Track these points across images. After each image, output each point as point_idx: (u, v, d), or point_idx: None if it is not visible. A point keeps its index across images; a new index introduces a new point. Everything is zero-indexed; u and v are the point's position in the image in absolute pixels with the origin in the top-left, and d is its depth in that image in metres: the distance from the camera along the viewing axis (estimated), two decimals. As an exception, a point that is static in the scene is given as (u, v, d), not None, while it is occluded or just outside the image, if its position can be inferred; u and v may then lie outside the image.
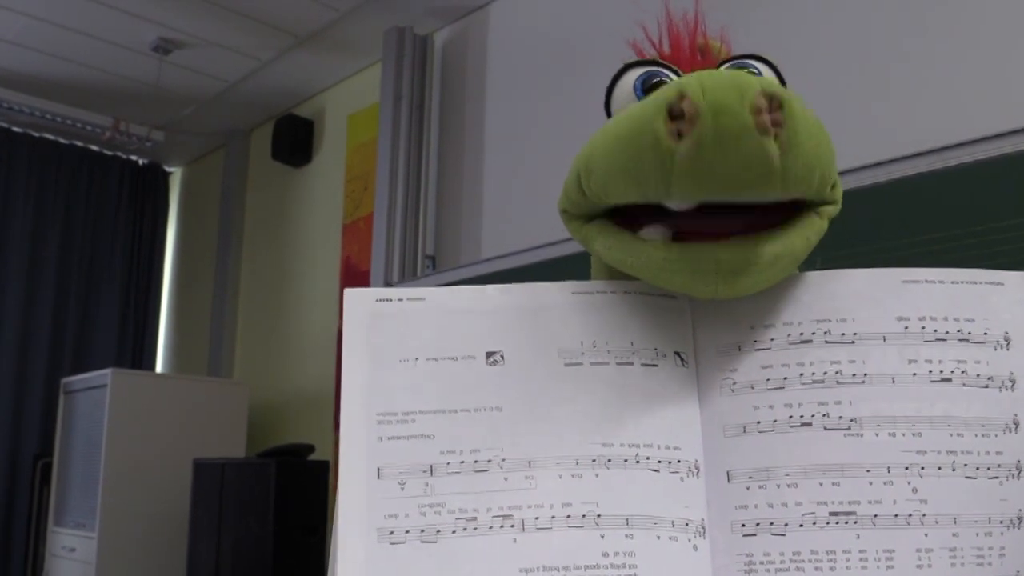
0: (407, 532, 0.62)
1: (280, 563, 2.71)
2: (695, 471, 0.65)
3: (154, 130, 3.94)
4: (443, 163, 3.14)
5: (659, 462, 0.65)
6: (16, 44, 3.46)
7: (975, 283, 0.69)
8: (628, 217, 0.69)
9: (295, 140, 3.78)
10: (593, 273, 0.78)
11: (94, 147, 4.32)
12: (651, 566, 0.61)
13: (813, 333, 0.67)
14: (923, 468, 0.64)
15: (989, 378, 0.66)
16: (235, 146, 4.23)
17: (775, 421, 0.65)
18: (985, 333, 0.67)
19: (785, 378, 0.66)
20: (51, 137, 4.20)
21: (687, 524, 0.63)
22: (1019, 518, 0.64)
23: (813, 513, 0.63)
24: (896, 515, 0.63)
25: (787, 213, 0.67)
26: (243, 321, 4.09)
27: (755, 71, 0.71)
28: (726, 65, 0.72)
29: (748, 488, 0.64)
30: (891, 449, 0.64)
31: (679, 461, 0.65)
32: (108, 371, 3.29)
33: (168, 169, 4.71)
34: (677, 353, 0.68)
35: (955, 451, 0.64)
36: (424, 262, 3.02)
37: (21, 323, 3.98)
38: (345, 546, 0.62)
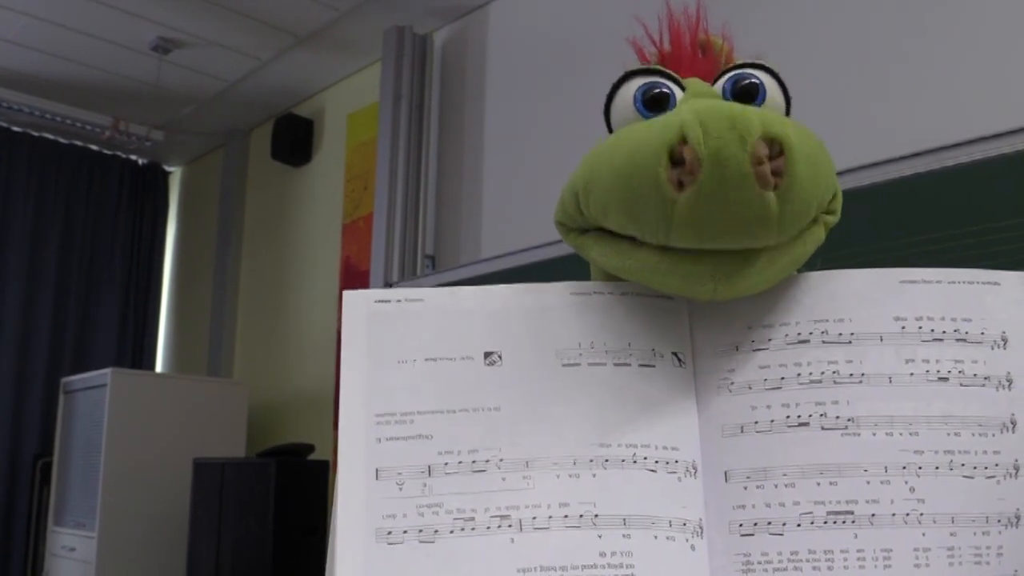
0: (405, 532, 0.62)
1: (280, 563, 2.71)
2: (693, 471, 0.65)
3: (154, 130, 3.94)
4: (443, 163, 3.14)
5: (656, 462, 0.65)
6: (16, 44, 3.46)
7: (972, 283, 0.69)
8: None
9: (295, 140, 3.78)
10: (592, 276, 0.78)
11: (94, 147, 4.32)
12: (648, 566, 0.62)
13: (811, 333, 0.68)
14: (920, 468, 0.64)
15: (986, 378, 0.66)
16: (235, 146, 4.23)
17: (773, 421, 0.66)
18: (982, 333, 0.67)
19: (783, 378, 0.66)
20: (51, 137, 4.20)
21: (685, 524, 0.64)
22: (1017, 517, 0.64)
23: (811, 513, 0.63)
24: (894, 514, 0.63)
25: None
26: (243, 321, 4.09)
27: (756, 81, 0.70)
28: (727, 76, 0.71)
29: (746, 488, 0.64)
30: (888, 449, 0.64)
31: (677, 461, 0.65)
32: (108, 371, 3.29)
33: (168, 169, 4.71)
34: (675, 354, 0.68)
35: (952, 450, 0.65)
36: (424, 262, 3.02)
37: (21, 323, 3.98)
38: (343, 546, 0.62)
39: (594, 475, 0.64)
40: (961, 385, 0.66)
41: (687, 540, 0.63)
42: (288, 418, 3.66)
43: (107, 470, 3.17)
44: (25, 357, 3.98)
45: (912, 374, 0.66)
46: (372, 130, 3.28)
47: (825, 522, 0.63)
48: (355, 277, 3.39)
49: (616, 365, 0.67)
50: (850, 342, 0.67)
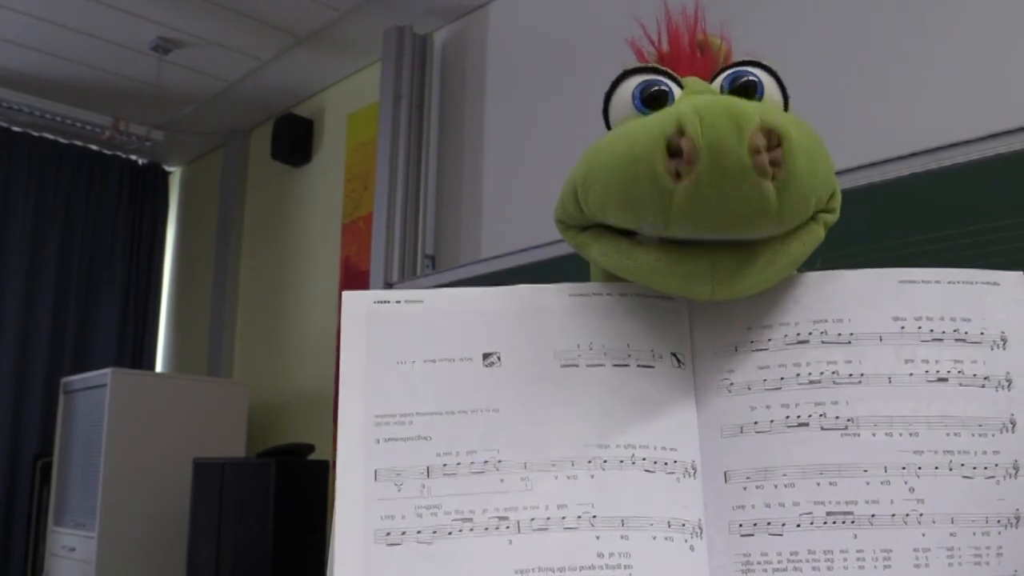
0: (404, 533, 0.62)
1: (280, 563, 2.71)
2: (692, 472, 0.65)
3: (154, 130, 3.94)
4: (443, 162, 3.14)
5: (655, 463, 0.65)
6: (16, 44, 3.46)
7: (971, 283, 0.69)
8: None
9: (295, 139, 3.78)
10: (592, 276, 0.78)
11: (94, 147, 4.32)
12: (647, 567, 0.62)
13: (810, 333, 0.68)
14: (920, 468, 0.64)
15: (986, 378, 0.66)
16: (235, 145, 4.23)
17: (772, 421, 0.66)
18: (982, 333, 0.67)
19: (782, 378, 0.66)
20: (51, 137, 4.20)
21: (683, 525, 0.64)
22: (1016, 517, 0.64)
23: (810, 513, 0.63)
24: (893, 515, 0.63)
25: None
26: (243, 321, 4.09)
27: (755, 79, 0.70)
28: (725, 73, 0.71)
29: (745, 488, 0.64)
30: (888, 449, 0.64)
31: (676, 462, 0.65)
32: (108, 371, 3.29)
33: (168, 169, 4.71)
34: (674, 354, 0.68)
35: (952, 451, 0.65)
36: (424, 262, 3.02)
37: (21, 323, 3.98)
38: (343, 547, 0.62)
39: (592, 476, 0.64)
40: (960, 385, 0.66)
41: (686, 540, 0.63)
42: (288, 418, 3.66)
43: (107, 470, 3.17)
44: (25, 357, 3.98)
45: (911, 374, 0.66)
46: (372, 130, 3.28)
47: (825, 522, 0.63)
48: (355, 277, 3.39)
49: (615, 366, 0.67)
50: (849, 342, 0.67)
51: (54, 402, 3.71)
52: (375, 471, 0.64)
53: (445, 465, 0.64)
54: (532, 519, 0.63)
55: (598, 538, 0.62)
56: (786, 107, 0.72)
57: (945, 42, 1.90)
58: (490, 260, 2.57)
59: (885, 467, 0.64)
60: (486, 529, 0.62)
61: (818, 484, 0.64)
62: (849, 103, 2.00)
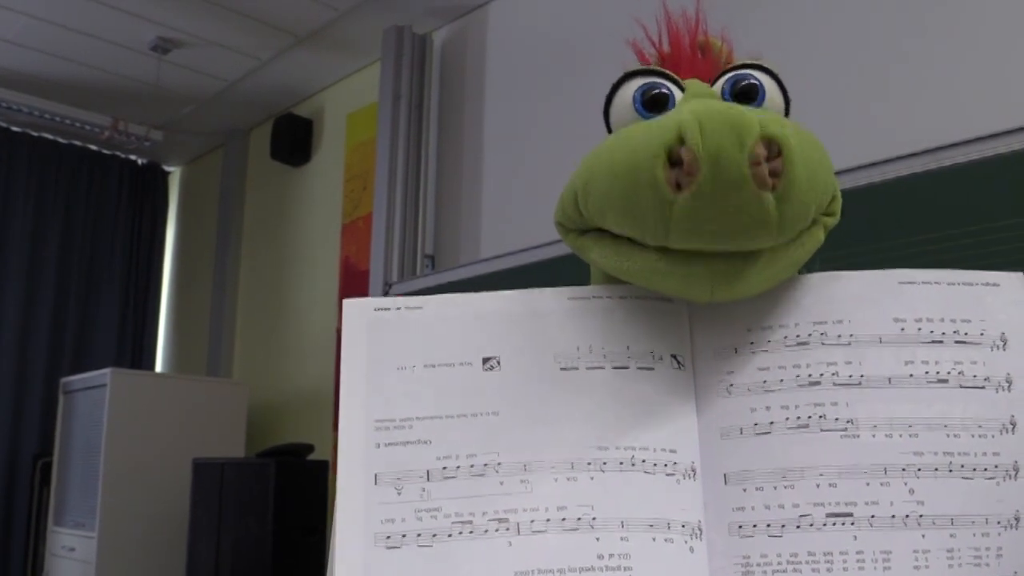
0: (404, 536, 0.63)
1: (279, 563, 2.71)
2: (692, 473, 0.65)
3: (153, 130, 3.94)
4: (442, 162, 3.14)
5: (655, 465, 0.65)
6: (16, 44, 3.46)
7: (971, 284, 0.69)
8: None
9: (294, 139, 3.78)
10: (592, 280, 0.78)
11: (93, 147, 4.32)
12: (646, 568, 0.62)
13: (810, 335, 0.68)
14: (920, 469, 0.64)
15: (986, 379, 0.66)
16: (234, 145, 4.23)
17: (772, 423, 0.65)
18: (982, 334, 0.67)
19: (782, 380, 0.66)
20: (50, 137, 4.20)
21: (683, 526, 0.64)
22: (1016, 519, 0.64)
23: (810, 514, 0.63)
24: (893, 516, 0.63)
25: None
26: (242, 321, 4.09)
27: (756, 82, 0.70)
28: (726, 76, 0.71)
29: (745, 490, 0.64)
30: (888, 450, 0.64)
31: (675, 463, 0.65)
32: (107, 371, 3.29)
33: (167, 169, 4.71)
34: (674, 356, 0.68)
35: (952, 452, 0.65)
36: (423, 262, 3.02)
37: (21, 323, 3.98)
38: (343, 551, 0.62)
39: (592, 478, 0.64)
40: (960, 386, 0.66)
41: (686, 542, 0.63)
42: (288, 418, 3.66)
43: (107, 470, 3.17)
44: (25, 357, 3.98)
45: (911, 375, 0.66)
46: (371, 130, 3.28)
47: (824, 524, 0.63)
48: (354, 277, 3.39)
49: (614, 368, 0.67)
50: (849, 344, 0.67)
51: (54, 402, 3.71)
52: (375, 475, 0.64)
53: (445, 468, 0.64)
54: (532, 521, 0.63)
55: (598, 540, 0.62)
56: (787, 110, 0.72)
57: (945, 42, 1.90)
58: (490, 260, 2.56)
59: (885, 468, 0.64)
60: (485, 531, 0.62)
61: (818, 485, 0.64)
62: (849, 103, 2.00)
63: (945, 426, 0.65)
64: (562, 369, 0.67)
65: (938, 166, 1.58)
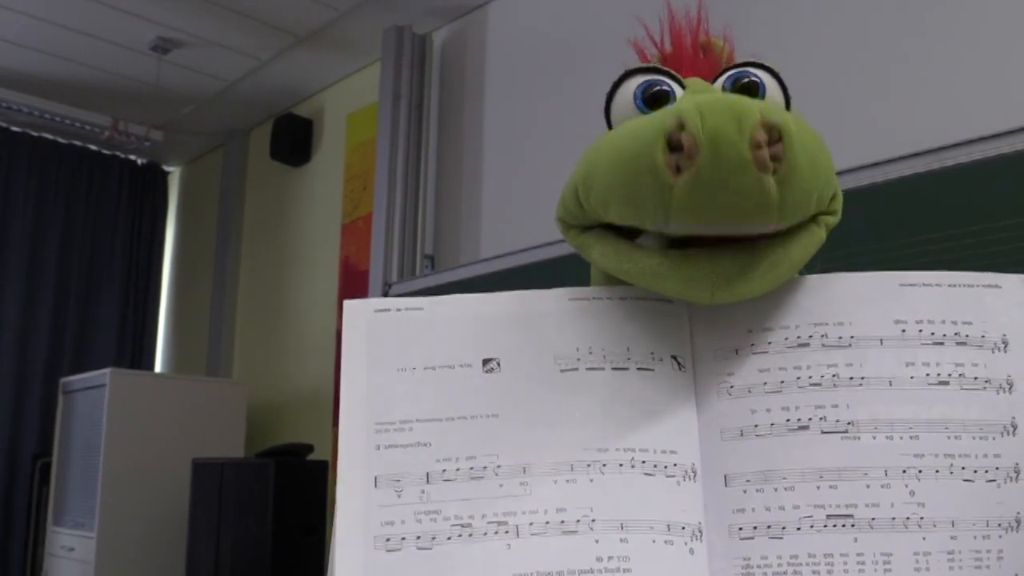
0: (403, 539, 0.62)
1: (279, 563, 2.71)
2: (692, 475, 0.65)
3: (153, 130, 3.94)
4: (442, 162, 3.14)
5: (655, 466, 0.65)
6: (15, 44, 3.45)
7: (972, 286, 0.68)
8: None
9: (294, 139, 3.78)
10: (593, 280, 0.78)
11: (93, 147, 4.32)
12: (646, 570, 0.61)
13: (810, 336, 0.67)
14: (921, 471, 0.64)
15: (987, 381, 0.66)
16: (234, 145, 4.23)
17: (772, 424, 0.65)
18: (983, 336, 0.67)
19: (782, 381, 0.66)
20: (50, 137, 4.20)
21: (683, 528, 0.63)
22: (1017, 521, 0.64)
23: (811, 516, 0.63)
24: (894, 518, 0.63)
25: None
26: (242, 321, 4.09)
27: (756, 79, 0.70)
28: (727, 74, 0.71)
29: (745, 491, 0.64)
30: (889, 452, 0.64)
31: (675, 465, 0.65)
32: (107, 371, 3.29)
33: (167, 169, 4.71)
34: (674, 357, 0.68)
35: (953, 454, 0.64)
36: (423, 262, 3.02)
37: (20, 323, 3.98)
38: (343, 553, 0.62)
39: (591, 480, 0.64)
40: (961, 388, 0.66)
41: (686, 544, 0.63)
42: (287, 418, 3.66)
43: (106, 470, 3.17)
44: (24, 357, 3.98)
45: (912, 377, 0.66)
46: (371, 130, 3.28)
47: (825, 526, 0.63)
48: (354, 277, 3.39)
49: (614, 370, 0.67)
50: (850, 345, 0.67)
51: (53, 402, 3.71)
52: (375, 478, 0.64)
53: (444, 471, 0.64)
54: (531, 523, 0.62)
55: (597, 542, 0.62)
56: (788, 108, 0.71)
57: (946, 42, 1.90)
58: (490, 260, 2.56)
59: (885, 470, 0.64)
60: (485, 534, 0.62)
61: (818, 487, 0.63)
62: (850, 103, 2.00)
63: (946, 428, 0.65)
64: (562, 370, 0.67)
65: (939, 166, 1.58)
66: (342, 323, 0.68)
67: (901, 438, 0.64)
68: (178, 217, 4.69)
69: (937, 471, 0.64)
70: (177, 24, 3.29)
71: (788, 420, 0.65)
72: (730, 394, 0.67)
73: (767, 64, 0.72)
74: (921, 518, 0.63)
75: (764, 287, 0.66)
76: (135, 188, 4.49)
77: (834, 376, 0.66)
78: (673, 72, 0.72)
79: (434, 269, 3.01)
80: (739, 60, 0.74)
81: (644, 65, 0.73)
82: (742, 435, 0.65)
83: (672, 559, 0.62)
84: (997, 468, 0.64)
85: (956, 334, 0.67)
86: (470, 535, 0.62)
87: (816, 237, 0.69)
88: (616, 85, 0.72)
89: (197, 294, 4.36)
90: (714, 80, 0.72)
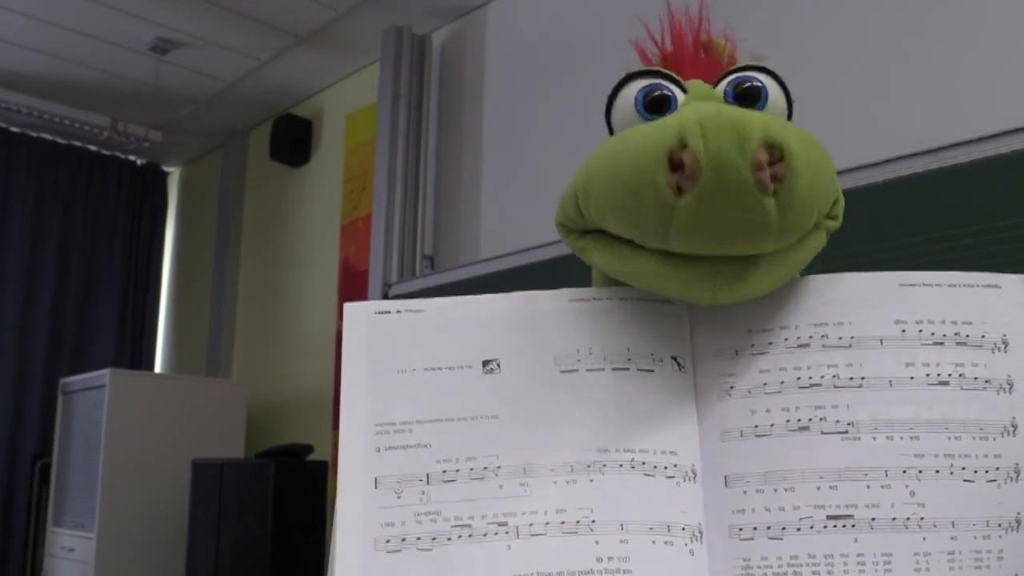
0: (403, 540, 0.63)
1: (279, 563, 2.71)
2: (692, 476, 0.65)
3: (152, 130, 3.94)
4: (441, 163, 3.14)
5: (655, 467, 0.65)
6: (14, 44, 3.45)
7: (973, 286, 0.68)
8: None
9: (293, 140, 3.78)
10: (594, 281, 0.78)
11: (92, 147, 4.32)
12: (646, 570, 0.62)
13: (810, 337, 0.67)
14: (921, 471, 0.64)
15: (987, 381, 0.66)
16: (233, 146, 4.23)
17: (772, 425, 0.65)
18: (983, 336, 0.67)
19: (782, 382, 0.66)
20: (49, 137, 4.20)
21: (683, 528, 0.63)
22: (1017, 521, 0.64)
23: (811, 517, 0.63)
24: (894, 519, 0.63)
25: None
26: (242, 321, 4.09)
27: (758, 84, 0.70)
28: (729, 78, 0.71)
29: (746, 492, 0.64)
30: (889, 452, 0.64)
31: (675, 466, 0.65)
32: (107, 371, 3.29)
33: (166, 169, 4.70)
34: (674, 358, 0.68)
35: (953, 454, 0.64)
36: (422, 262, 3.02)
37: (20, 323, 3.97)
38: (343, 555, 0.62)
39: (591, 481, 0.64)
40: (962, 389, 0.66)
41: (686, 544, 0.63)
42: (287, 418, 3.65)
43: (106, 471, 3.17)
44: (24, 358, 3.97)
45: (912, 378, 0.66)
46: (371, 130, 3.28)
47: (825, 526, 0.63)
48: (354, 278, 3.39)
49: (615, 370, 0.67)
50: (850, 346, 0.67)
51: (53, 403, 3.71)
52: (375, 479, 0.64)
53: (445, 472, 0.64)
54: (531, 524, 0.63)
55: (597, 542, 0.62)
56: (790, 112, 0.71)
57: (946, 41, 1.90)
58: (489, 260, 2.56)
59: (886, 471, 0.64)
60: (485, 535, 0.62)
61: (818, 488, 0.64)
62: (850, 103, 2.00)
63: (946, 428, 0.65)
64: (562, 371, 0.67)
65: (939, 166, 1.58)
66: (342, 325, 0.68)
67: (901, 438, 0.64)
68: (177, 218, 4.69)
69: (937, 471, 0.64)
70: (176, 24, 3.29)
71: (788, 421, 0.65)
72: (730, 395, 0.67)
73: (769, 68, 0.71)
74: (921, 518, 0.63)
75: (764, 288, 0.66)
76: (134, 188, 4.48)
77: (834, 376, 0.66)
78: (674, 75, 0.71)
79: (434, 269, 3.01)
80: (740, 60, 0.74)
81: (645, 68, 0.72)
82: (742, 436, 0.65)
83: (672, 560, 0.62)
84: (997, 468, 0.64)
85: (956, 334, 0.67)
86: (470, 536, 0.62)
87: (818, 241, 0.69)
88: (617, 89, 0.72)
89: (197, 294, 4.36)
90: (716, 83, 0.72)
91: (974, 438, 0.65)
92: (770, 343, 0.68)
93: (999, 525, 0.63)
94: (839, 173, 0.71)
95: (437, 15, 3.17)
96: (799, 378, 0.66)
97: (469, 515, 0.63)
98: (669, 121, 0.63)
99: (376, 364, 0.67)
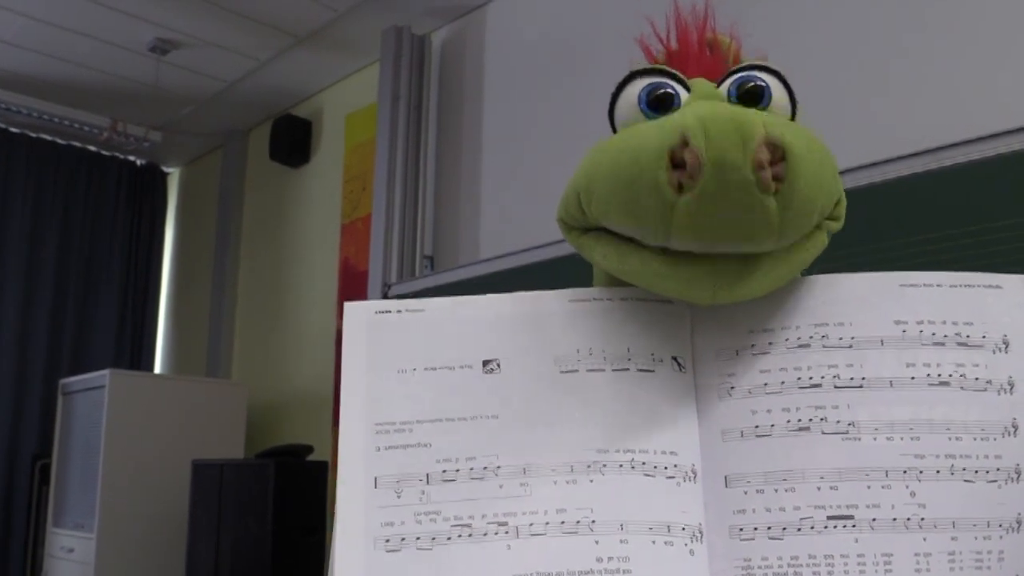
0: (403, 540, 0.63)
1: (279, 563, 2.71)
2: (692, 476, 0.65)
3: (152, 130, 3.94)
4: (441, 163, 3.14)
5: (655, 467, 0.65)
6: (14, 44, 3.45)
7: (973, 286, 0.68)
8: None
9: (293, 140, 3.78)
10: (596, 280, 0.78)
11: (92, 148, 4.32)
12: (646, 571, 0.61)
13: (811, 337, 0.67)
14: (921, 472, 0.64)
15: (988, 381, 0.66)
16: (233, 146, 4.23)
17: (773, 426, 0.65)
18: (983, 336, 0.67)
19: (783, 382, 0.66)
20: (49, 138, 4.20)
21: (683, 528, 0.63)
22: (1018, 522, 0.64)
23: (811, 517, 0.63)
24: (894, 519, 0.63)
25: None
26: (241, 321, 4.09)
27: (762, 84, 0.70)
28: (733, 77, 0.71)
29: (746, 492, 0.64)
30: (889, 453, 0.64)
31: (676, 466, 0.65)
32: (106, 372, 3.28)
33: (166, 170, 4.70)
34: (675, 358, 0.68)
35: (954, 455, 0.64)
36: (422, 262, 3.02)
37: (19, 324, 3.97)
38: (343, 554, 0.62)
39: (591, 481, 0.64)
40: (962, 389, 0.66)
41: (686, 545, 0.63)
42: (287, 419, 3.65)
43: (106, 471, 3.17)
44: (24, 358, 3.97)
45: (913, 378, 0.66)
46: (370, 131, 3.28)
47: (825, 527, 0.63)
48: (354, 278, 3.39)
49: (615, 370, 0.67)
50: (851, 346, 0.67)
51: (53, 403, 3.71)
52: (375, 479, 0.64)
53: (444, 472, 0.64)
54: (531, 524, 0.63)
55: (597, 542, 0.62)
56: (794, 112, 0.71)
57: (946, 41, 1.90)
58: (489, 261, 2.56)
59: (886, 471, 0.64)
60: (484, 535, 0.62)
61: (819, 488, 0.63)
62: (849, 102, 2.00)
63: (947, 429, 0.65)
64: (562, 371, 0.67)
65: (938, 166, 1.58)
66: (342, 325, 0.68)
67: (902, 439, 0.64)
68: (177, 218, 4.68)
69: (938, 472, 0.64)
70: (176, 25, 3.29)
71: (789, 421, 0.65)
72: (731, 395, 0.67)
73: (773, 67, 0.71)
74: (922, 519, 0.63)
75: (765, 288, 0.66)
76: (134, 189, 4.48)
77: (835, 377, 0.66)
78: (678, 74, 0.71)
79: (433, 270, 3.01)
80: (746, 58, 0.74)
81: (649, 67, 0.72)
82: (743, 436, 0.65)
83: (672, 560, 0.62)
84: (998, 469, 0.64)
85: (957, 335, 0.67)
86: (470, 536, 0.62)
87: (819, 241, 0.69)
88: (620, 87, 0.72)
89: (196, 295, 4.35)
90: (719, 82, 0.72)
91: (975, 439, 0.65)
92: (771, 343, 0.68)
93: (1000, 526, 0.63)
94: (839, 173, 0.71)
95: (437, 15, 3.17)
96: (800, 378, 0.66)
97: (469, 515, 0.63)
98: (671, 119, 0.64)
99: (376, 364, 0.67)
